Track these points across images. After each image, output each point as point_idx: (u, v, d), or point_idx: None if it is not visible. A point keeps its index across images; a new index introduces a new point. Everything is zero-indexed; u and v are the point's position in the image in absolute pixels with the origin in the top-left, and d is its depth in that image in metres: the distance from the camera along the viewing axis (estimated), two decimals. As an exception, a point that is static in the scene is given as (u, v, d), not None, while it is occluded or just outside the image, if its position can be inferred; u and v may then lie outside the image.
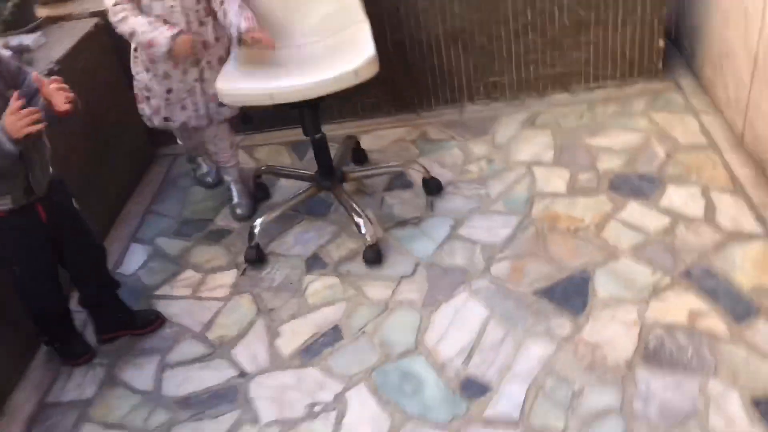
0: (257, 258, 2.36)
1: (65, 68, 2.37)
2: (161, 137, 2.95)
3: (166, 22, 2.20)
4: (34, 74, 1.75)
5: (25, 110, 1.61)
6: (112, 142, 2.76)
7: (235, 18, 2.18)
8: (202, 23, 2.30)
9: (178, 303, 2.29)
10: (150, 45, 2.18)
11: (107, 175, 2.69)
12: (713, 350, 1.78)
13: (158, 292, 2.35)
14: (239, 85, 2.19)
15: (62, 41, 2.57)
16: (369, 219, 2.34)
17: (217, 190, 2.80)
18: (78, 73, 2.44)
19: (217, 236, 2.57)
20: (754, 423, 1.60)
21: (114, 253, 2.52)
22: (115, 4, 2.19)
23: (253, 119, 2.82)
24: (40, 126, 1.64)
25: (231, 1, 2.21)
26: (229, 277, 2.36)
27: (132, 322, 2.18)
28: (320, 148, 2.37)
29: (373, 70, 2.11)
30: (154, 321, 2.21)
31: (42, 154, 1.84)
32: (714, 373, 1.73)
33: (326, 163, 2.41)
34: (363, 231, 2.29)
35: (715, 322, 1.86)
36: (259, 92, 2.15)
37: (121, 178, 2.82)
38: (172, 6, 2.22)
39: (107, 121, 2.72)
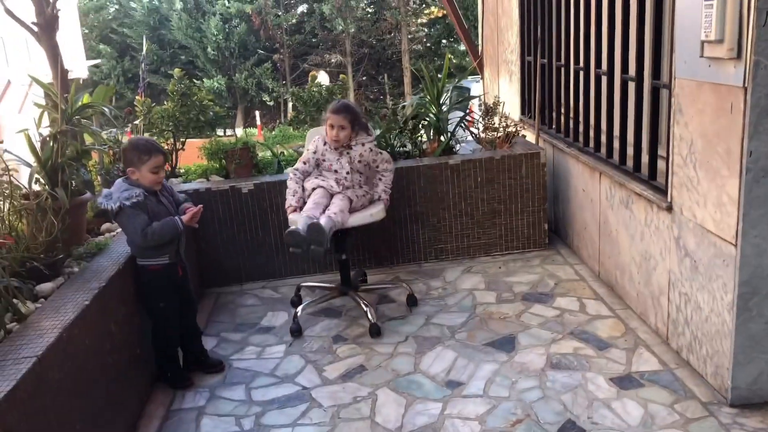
0: (298, 331, 3.58)
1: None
2: (206, 280, 4.23)
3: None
4: (185, 205, 3.17)
5: (197, 214, 3.02)
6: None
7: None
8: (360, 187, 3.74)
9: (249, 362, 3.42)
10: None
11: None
12: (588, 361, 3.12)
13: (232, 358, 3.47)
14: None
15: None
16: (372, 309, 3.65)
17: (255, 306, 4.03)
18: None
19: (265, 330, 3.76)
20: (612, 389, 2.91)
21: (191, 341, 3.65)
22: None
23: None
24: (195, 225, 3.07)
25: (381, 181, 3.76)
26: (280, 348, 3.53)
27: (205, 362, 3.31)
28: (344, 266, 3.75)
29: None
30: (218, 365, 3.34)
31: (186, 236, 3.17)
32: (589, 369, 3.05)
33: (347, 276, 3.77)
34: (369, 315, 3.59)
35: (587, 351, 3.22)
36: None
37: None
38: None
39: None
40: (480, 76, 7.43)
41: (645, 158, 3.38)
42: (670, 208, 3.04)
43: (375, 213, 3.65)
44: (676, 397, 2.79)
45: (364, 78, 21.14)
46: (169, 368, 3.21)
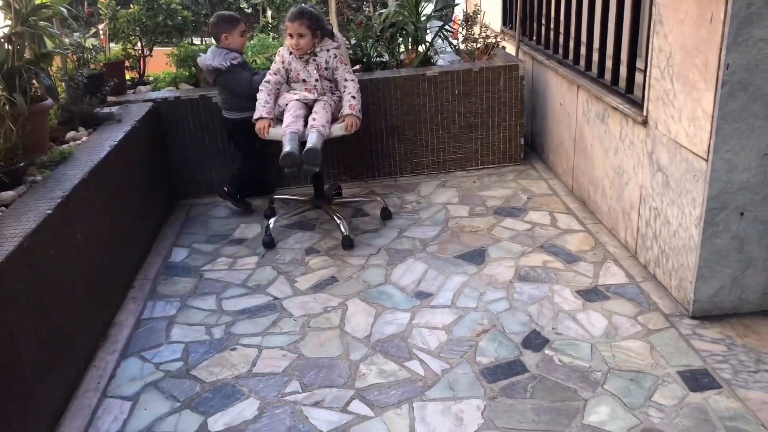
0: (271, 243, 3.57)
1: (137, 129, 3.63)
2: (178, 192, 4.18)
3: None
4: None
5: None
6: (153, 190, 3.97)
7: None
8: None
9: (220, 273, 3.42)
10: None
11: (149, 210, 3.86)
12: (556, 274, 3.16)
13: (203, 269, 3.47)
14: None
15: (132, 115, 3.83)
16: (345, 222, 3.64)
17: (227, 218, 4.00)
18: (146, 132, 3.71)
19: (237, 242, 3.75)
20: (577, 301, 2.95)
21: (162, 252, 3.64)
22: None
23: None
24: None
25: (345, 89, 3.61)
26: (252, 260, 3.53)
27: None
28: (318, 179, 3.70)
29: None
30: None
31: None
32: (556, 282, 3.09)
33: (320, 189, 3.73)
34: (342, 228, 3.58)
35: (556, 264, 3.25)
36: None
37: (156, 214, 3.98)
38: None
39: (148, 178, 3.94)
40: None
41: (624, 72, 3.31)
42: (645, 123, 3.01)
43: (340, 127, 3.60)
44: (639, 309, 2.84)
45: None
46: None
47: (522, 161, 4.56)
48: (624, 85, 3.28)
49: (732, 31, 2.34)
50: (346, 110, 3.59)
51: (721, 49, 2.38)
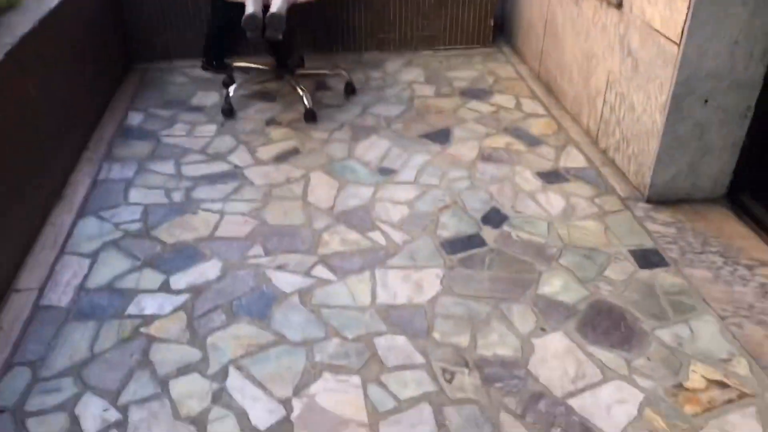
0: (230, 111, 3.47)
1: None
2: (132, 54, 3.98)
3: None
4: None
5: None
6: (107, 50, 3.76)
7: None
8: None
9: (178, 139, 3.33)
10: None
11: (103, 71, 3.68)
12: (518, 156, 3.19)
13: (161, 134, 3.37)
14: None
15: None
16: (308, 94, 3.55)
17: (185, 84, 3.86)
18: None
19: (196, 109, 3.63)
20: (537, 182, 3.00)
21: (117, 115, 3.50)
22: None
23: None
24: None
25: None
26: (211, 128, 3.44)
27: None
28: (281, 47, 3.57)
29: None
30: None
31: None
32: (518, 163, 3.12)
33: (283, 59, 3.61)
34: (305, 100, 3.50)
35: (519, 146, 3.28)
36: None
37: (110, 76, 3.80)
38: None
39: (101, 38, 3.72)
40: None
41: (603, -49, 3.21)
42: (620, 5, 2.96)
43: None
44: (597, 191, 2.91)
45: None
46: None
47: (491, 44, 4.48)
48: (603, -35, 3.19)
49: None
50: None
51: (708, -72, 2.32)
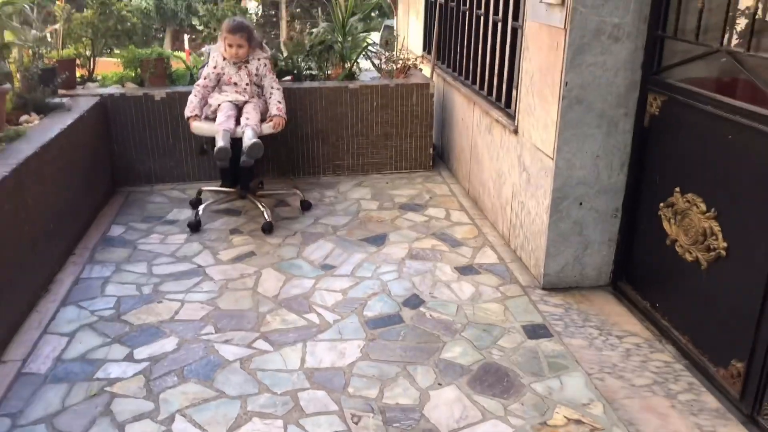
0: (197, 225, 4.06)
1: (85, 118, 4.09)
2: (119, 179, 4.64)
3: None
4: None
5: None
6: (96, 173, 4.42)
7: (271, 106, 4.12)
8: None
9: (152, 245, 3.89)
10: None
11: (91, 191, 4.31)
12: (441, 255, 3.75)
13: (138, 242, 3.93)
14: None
15: (80, 106, 4.29)
16: (269, 210, 4.17)
17: (163, 203, 4.48)
18: (91, 122, 4.18)
19: (170, 222, 4.23)
20: (454, 274, 3.54)
21: (101, 228, 4.09)
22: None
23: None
24: None
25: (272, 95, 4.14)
26: (182, 236, 4.02)
27: None
28: (247, 173, 4.22)
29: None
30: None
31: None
32: (440, 260, 3.68)
33: (247, 182, 4.26)
34: (265, 214, 4.10)
35: (443, 247, 3.85)
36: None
37: (97, 195, 4.43)
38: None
39: (92, 163, 4.40)
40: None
41: (504, 90, 3.96)
42: (516, 131, 3.65)
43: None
44: (503, 281, 3.45)
45: (298, 10, 21.06)
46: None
47: (431, 168, 5.18)
48: (503, 101, 3.93)
49: (570, 56, 2.99)
50: (274, 111, 4.15)
51: (562, 71, 3.04)
